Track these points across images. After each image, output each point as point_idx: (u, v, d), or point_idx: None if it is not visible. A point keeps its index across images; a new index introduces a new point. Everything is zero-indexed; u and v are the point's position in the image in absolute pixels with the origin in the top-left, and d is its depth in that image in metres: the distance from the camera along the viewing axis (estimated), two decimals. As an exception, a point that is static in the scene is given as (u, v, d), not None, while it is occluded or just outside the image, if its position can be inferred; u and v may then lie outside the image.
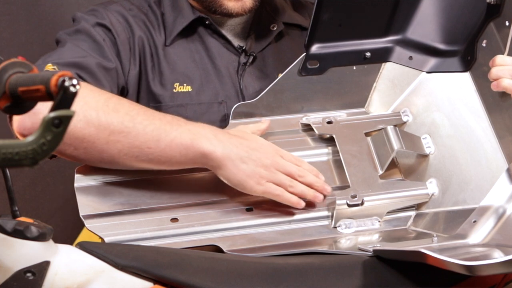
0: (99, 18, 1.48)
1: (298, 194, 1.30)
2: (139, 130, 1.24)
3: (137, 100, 1.48)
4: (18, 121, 1.25)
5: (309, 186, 1.31)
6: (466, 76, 1.41)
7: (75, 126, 1.23)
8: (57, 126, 0.81)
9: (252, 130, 1.36)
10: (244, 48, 1.55)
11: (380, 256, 1.18)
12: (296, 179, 1.30)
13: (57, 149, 1.23)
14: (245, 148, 1.27)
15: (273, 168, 1.28)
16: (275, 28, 1.57)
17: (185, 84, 1.50)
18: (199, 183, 1.33)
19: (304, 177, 1.31)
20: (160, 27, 1.53)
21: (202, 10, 1.54)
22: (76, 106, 1.20)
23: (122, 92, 1.46)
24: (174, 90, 1.50)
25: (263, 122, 1.39)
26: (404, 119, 1.44)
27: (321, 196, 1.32)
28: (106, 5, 1.53)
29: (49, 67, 1.34)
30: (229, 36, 1.56)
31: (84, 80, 1.35)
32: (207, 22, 1.53)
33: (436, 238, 1.25)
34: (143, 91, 1.49)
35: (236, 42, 1.56)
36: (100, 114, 1.24)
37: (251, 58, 1.54)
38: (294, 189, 1.30)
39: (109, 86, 1.41)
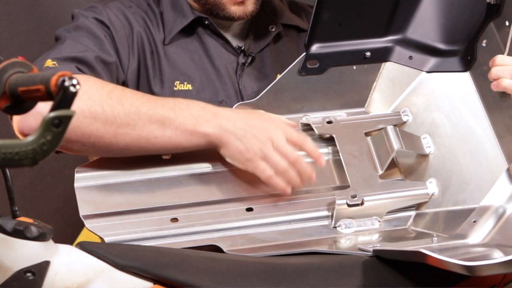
0: (98, 15, 1.48)
1: (287, 180, 1.30)
2: (144, 121, 1.26)
3: None
4: (20, 121, 1.25)
5: (298, 173, 1.30)
6: (466, 76, 1.41)
7: (81, 122, 1.24)
8: (57, 126, 0.82)
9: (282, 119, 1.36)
10: (242, 48, 1.55)
11: (380, 256, 1.18)
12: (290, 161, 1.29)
13: (64, 146, 1.24)
14: (243, 126, 1.28)
15: (270, 147, 1.28)
16: (273, 29, 1.58)
17: (185, 83, 1.50)
18: (199, 183, 1.33)
19: (296, 164, 1.30)
20: (159, 25, 1.53)
21: (202, 10, 1.54)
22: (80, 101, 1.22)
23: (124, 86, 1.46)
24: (174, 88, 1.50)
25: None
26: (404, 119, 1.44)
27: (301, 187, 1.32)
28: (106, 2, 1.53)
29: (49, 62, 1.35)
30: (229, 36, 1.56)
31: (84, 73, 1.35)
32: (206, 22, 1.54)
33: (436, 238, 1.25)
34: (143, 88, 1.49)
35: (235, 43, 1.56)
36: (105, 108, 1.25)
37: (250, 58, 1.54)
38: (284, 175, 1.29)
39: (109, 80, 1.41)
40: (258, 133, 1.29)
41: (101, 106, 1.25)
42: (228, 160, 1.30)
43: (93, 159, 1.33)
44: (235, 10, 1.51)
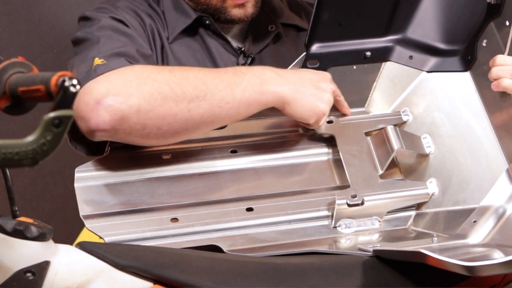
0: (113, 14, 1.45)
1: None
2: (213, 89, 1.28)
3: None
4: (93, 118, 1.22)
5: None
6: (466, 76, 1.41)
7: (153, 105, 1.24)
8: (57, 126, 0.82)
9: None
10: (242, 49, 1.55)
11: (380, 256, 1.18)
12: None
13: (141, 134, 1.25)
14: (310, 83, 1.34)
15: (328, 105, 1.36)
16: (273, 29, 1.58)
17: None
18: (199, 183, 1.33)
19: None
20: (163, 22, 1.53)
21: (203, 12, 1.54)
22: (146, 85, 1.24)
23: None
24: None
25: None
26: (404, 118, 1.44)
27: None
28: (113, 2, 1.50)
29: (98, 61, 1.31)
30: (228, 37, 1.56)
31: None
32: (207, 22, 1.53)
33: (436, 238, 1.25)
34: None
35: (235, 43, 1.56)
36: (172, 86, 1.26)
37: (250, 59, 1.54)
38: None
39: None
40: (323, 94, 1.34)
41: (168, 85, 1.26)
42: (293, 117, 1.34)
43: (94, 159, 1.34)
44: (236, 12, 1.51)
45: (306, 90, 1.33)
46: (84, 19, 1.47)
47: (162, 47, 1.50)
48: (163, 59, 1.49)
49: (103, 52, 1.34)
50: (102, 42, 1.38)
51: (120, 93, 1.23)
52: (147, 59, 1.40)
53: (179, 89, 1.26)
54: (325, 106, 1.35)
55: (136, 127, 1.24)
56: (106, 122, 1.23)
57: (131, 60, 1.34)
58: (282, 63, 1.49)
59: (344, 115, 1.43)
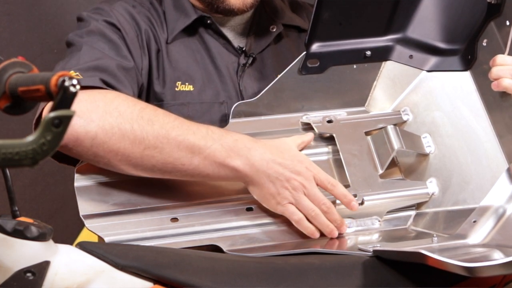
0: (107, 17, 1.45)
1: (317, 225, 1.29)
2: (173, 146, 1.24)
3: (139, 97, 1.46)
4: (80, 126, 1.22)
5: (330, 221, 1.29)
6: (467, 76, 1.41)
7: (110, 138, 1.22)
8: (57, 126, 0.82)
9: (297, 142, 1.34)
10: (243, 49, 1.55)
11: (380, 256, 1.18)
12: (321, 210, 1.28)
13: (92, 159, 1.24)
14: (276, 167, 1.27)
15: (301, 192, 1.27)
16: (274, 30, 1.57)
17: (187, 83, 1.50)
18: (199, 183, 1.32)
19: (328, 213, 1.28)
20: (162, 24, 1.52)
21: (204, 9, 1.54)
22: (111, 117, 1.22)
23: (141, 90, 1.45)
24: (176, 89, 1.49)
25: (307, 135, 1.38)
26: (404, 118, 1.44)
27: (337, 233, 1.30)
28: (111, 3, 1.51)
29: (73, 74, 1.29)
30: (230, 37, 1.56)
31: (108, 84, 1.33)
32: (208, 22, 1.53)
33: (436, 238, 1.25)
34: (145, 89, 1.48)
35: (236, 43, 1.56)
36: (135, 127, 1.23)
37: (251, 59, 1.54)
38: (315, 220, 1.28)
39: (131, 86, 1.39)
40: (291, 177, 1.27)
41: (131, 124, 1.23)
42: (256, 198, 1.29)
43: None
44: (234, 2, 1.51)
45: (269, 178, 1.26)
46: (79, 19, 1.48)
47: (158, 50, 1.49)
48: (158, 64, 1.49)
49: (82, 63, 1.35)
50: (83, 50, 1.38)
51: (83, 116, 1.22)
52: (127, 73, 1.39)
53: (140, 133, 1.23)
54: (281, 204, 1.27)
55: (87, 152, 1.24)
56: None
57: (108, 76, 1.33)
58: (283, 63, 1.49)
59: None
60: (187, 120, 1.29)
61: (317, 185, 1.29)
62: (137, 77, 1.42)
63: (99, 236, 1.25)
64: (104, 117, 1.23)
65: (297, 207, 1.27)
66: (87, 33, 1.42)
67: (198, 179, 1.29)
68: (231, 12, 1.52)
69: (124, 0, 1.52)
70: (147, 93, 1.48)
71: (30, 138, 0.81)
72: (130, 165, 1.25)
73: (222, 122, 1.47)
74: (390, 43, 1.46)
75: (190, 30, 1.53)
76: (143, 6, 1.53)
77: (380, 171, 1.37)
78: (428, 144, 1.40)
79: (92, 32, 1.42)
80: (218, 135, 1.27)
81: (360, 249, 1.23)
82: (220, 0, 1.51)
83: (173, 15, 1.53)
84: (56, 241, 1.05)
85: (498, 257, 1.07)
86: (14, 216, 1.02)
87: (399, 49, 1.46)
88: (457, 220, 1.29)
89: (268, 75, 1.54)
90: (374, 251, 1.20)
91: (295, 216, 1.28)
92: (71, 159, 1.30)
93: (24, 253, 1.00)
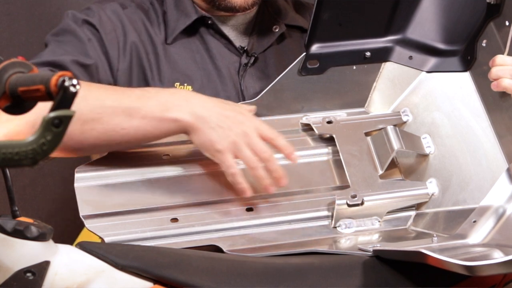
0: (89, 17, 1.49)
1: (255, 178, 1.28)
2: (110, 114, 1.24)
3: None
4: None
5: (269, 172, 1.28)
6: (466, 76, 1.41)
7: None
8: (57, 126, 0.82)
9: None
10: (245, 48, 1.55)
11: (380, 256, 1.18)
12: (262, 159, 1.27)
13: None
14: (217, 115, 1.26)
15: (242, 142, 1.26)
16: (277, 30, 1.57)
17: (185, 84, 1.50)
18: (199, 183, 1.32)
19: (269, 163, 1.28)
20: (160, 25, 1.53)
21: (205, 8, 1.54)
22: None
23: None
24: None
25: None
26: (404, 118, 1.44)
27: (274, 190, 1.29)
28: (102, 3, 1.53)
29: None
30: (232, 36, 1.56)
31: None
32: (209, 22, 1.54)
33: (436, 238, 1.25)
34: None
35: (238, 43, 1.56)
36: None
37: (253, 59, 1.54)
38: (253, 171, 1.27)
39: (87, 80, 1.40)
40: (233, 125, 1.26)
41: None
42: (197, 146, 1.28)
43: (94, 158, 1.34)
44: (236, 0, 1.51)
45: (210, 124, 1.25)
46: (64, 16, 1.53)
47: (148, 53, 1.50)
48: (151, 65, 1.49)
49: (40, 59, 1.41)
50: (48, 49, 1.44)
51: None
52: (84, 69, 1.42)
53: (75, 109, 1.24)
54: (221, 152, 1.25)
55: None
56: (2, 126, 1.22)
57: (57, 69, 1.36)
58: (286, 63, 1.49)
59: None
60: (122, 87, 1.30)
61: (259, 136, 1.28)
62: (98, 74, 1.45)
63: (99, 236, 1.25)
64: (39, 104, 1.24)
65: (237, 157, 1.26)
66: (59, 32, 1.48)
67: (145, 141, 1.29)
68: (233, 10, 1.52)
69: (118, 1, 1.53)
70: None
71: (30, 138, 0.81)
72: (76, 144, 1.25)
73: (222, 122, 1.47)
74: (389, 44, 1.46)
75: (191, 30, 1.53)
76: (139, 7, 1.54)
77: (380, 172, 1.37)
78: (428, 144, 1.40)
79: (63, 30, 1.48)
80: (153, 93, 1.28)
81: (360, 249, 1.23)
82: None
83: (174, 15, 1.53)
84: (56, 241, 1.05)
85: (498, 256, 1.07)
86: (14, 216, 1.02)
87: (399, 50, 1.46)
88: (457, 220, 1.29)
89: (270, 75, 1.54)
90: (374, 250, 1.20)
91: (232, 169, 1.26)
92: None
93: (24, 253, 1.00)
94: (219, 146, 1.25)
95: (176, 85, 1.50)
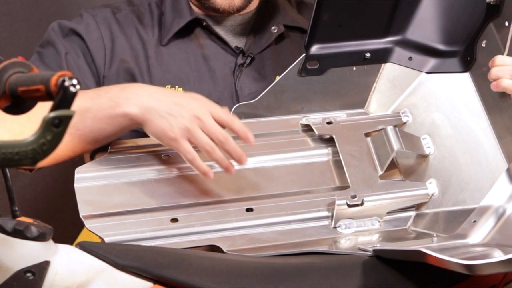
0: (76, 24, 1.51)
1: (214, 160, 1.27)
2: None
3: None
4: None
5: (228, 153, 1.27)
6: (466, 77, 1.42)
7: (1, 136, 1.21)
8: (57, 126, 0.82)
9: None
10: (241, 49, 1.55)
11: (380, 256, 1.18)
12: (217, 144, 1.26)
13: None
14: (167, 103, 1.26)
15: (196, 127, 1.25)
16: (275, 30, 1.57)
17: (176, 86, 1.50)
18: (199, 183, 1.33)
19: (225, 144, 1.26)
20: (154, 27, 1.53)
21: (200, 7, 1.54)
22: None
23: None
24: None
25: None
26: (404, 119, 1.44)
27: (234, 169, 1.28)
28: (95, 9, 1.55)
29: None
30: (228, 37, 1.56)
31: None
32: (204, 24, 1.54)
33: (436, 238, 1.25)
34: None
35: (234, 43, 1.56)
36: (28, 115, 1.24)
37: (249, 59, 1.54)
38: (210, 155, 1.26)
39: None
40: (184, 111, 1.25)
41: (27, 115, 1.24)
42: (153, 138, 1.27)
43: (87, 160, 1.34)
44: (220, 2, 1.51)
45: (159, 114, 1.25)
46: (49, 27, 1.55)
47: (138, 57, 1.50)
48: (141, 69, 1.49)
49: None
50: (31, 59, 1.48)
51: None
52: None
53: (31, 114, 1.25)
54: (175, 140, 1.25)
55: None
56: None
57: None
58: (284, 64, 1.49)
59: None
60: (80, 90, 1.31)
61: (214, 119, 1.26)
62: None
63: (99, 236, 1.25)
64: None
65: (192, 142, 1.25)
66: (43, 44, 1.52)
67: (103, 140, 1.29)
68: (217, 11, 1.52)
69: (112, 6, 1.54)
70: None
71: (30, 138, 0.81)
72: None
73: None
74: (389, 45, 1.46)
75: (186, 32, 1.53)
76: (133, 11, 1.54)
77: (380, 172, 1.37)
78: (427, 145, 1.40)
79: (46, 42, 1.52)
80: (105, 91, 1.28)
81: (360, 249, 1.23)
82: None
83: (170, 17, 1.54)
84: (56, 241, 1.05)
85: (498, 255, 1.07)
86: (14, 216, 1.02)
87: (399, 51, 1.46)
88: (457, 220, 1.29)
89: (266, 76, 1.54)
90: (374, 250, 1.20)
91: (189, 154, 1.25)
92: None
93: (24, 253, 1.00)
94: (171, 134, 1.25)
95: (167, 87, 1.49)
